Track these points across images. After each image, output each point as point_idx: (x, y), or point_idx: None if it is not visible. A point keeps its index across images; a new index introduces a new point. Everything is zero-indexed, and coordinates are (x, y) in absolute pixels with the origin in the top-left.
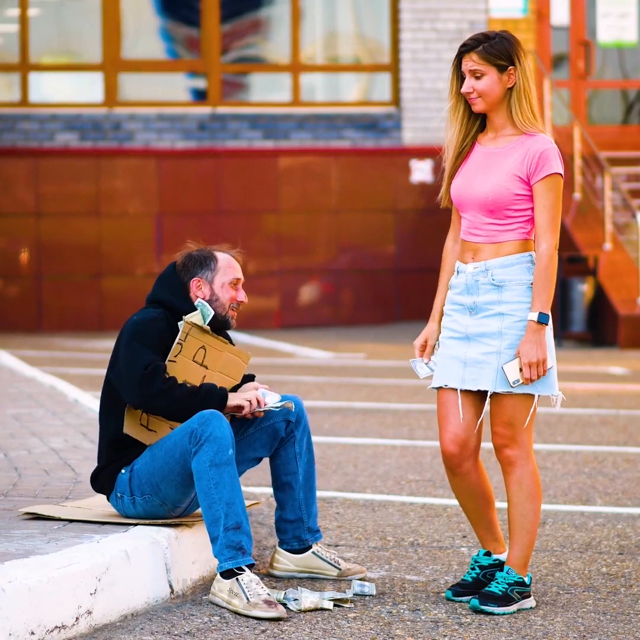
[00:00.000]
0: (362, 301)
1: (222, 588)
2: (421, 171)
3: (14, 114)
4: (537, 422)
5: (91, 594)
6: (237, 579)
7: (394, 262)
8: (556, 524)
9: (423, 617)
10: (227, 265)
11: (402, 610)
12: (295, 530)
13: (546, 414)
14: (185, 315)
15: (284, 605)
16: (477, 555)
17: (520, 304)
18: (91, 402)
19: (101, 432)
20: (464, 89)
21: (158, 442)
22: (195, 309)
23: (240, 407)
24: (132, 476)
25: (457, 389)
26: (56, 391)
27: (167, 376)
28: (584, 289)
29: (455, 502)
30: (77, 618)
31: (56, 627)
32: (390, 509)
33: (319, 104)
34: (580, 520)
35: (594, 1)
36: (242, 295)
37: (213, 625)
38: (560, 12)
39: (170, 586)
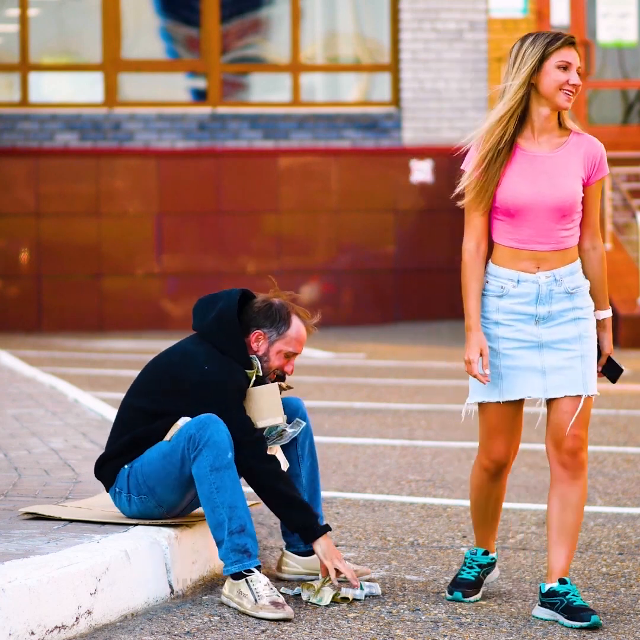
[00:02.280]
0: (362, 301)
1: (232, 589)
2: (421, 171)
3: (14, 114)
4: (537, 422)
5: (91, 594)
6: (245, 580)
7: (394, 262)
8: None
9: (423, 617)
10: (295, 337)
11: (402, 610)
12: None
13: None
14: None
15: (298, 595)
16: (475, 554)
17: (589, 307)
18: (91, 402)
19: (128, 423)
20: (574, 81)
21: (156, 445)
22: (249, 362)
23: (334, 559)
24: (131, 474)
25: (519, 400)
26: (56, 391)
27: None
28: None
29: (455, 502)
30: (77, 618)
31: (56, 627)
32: (390, 509)
33: (319, 104)
34: None
35: (594, 1)
36: (290, 368)
37: (213, 625)
38: (560, 12)
39: (170, 586)
